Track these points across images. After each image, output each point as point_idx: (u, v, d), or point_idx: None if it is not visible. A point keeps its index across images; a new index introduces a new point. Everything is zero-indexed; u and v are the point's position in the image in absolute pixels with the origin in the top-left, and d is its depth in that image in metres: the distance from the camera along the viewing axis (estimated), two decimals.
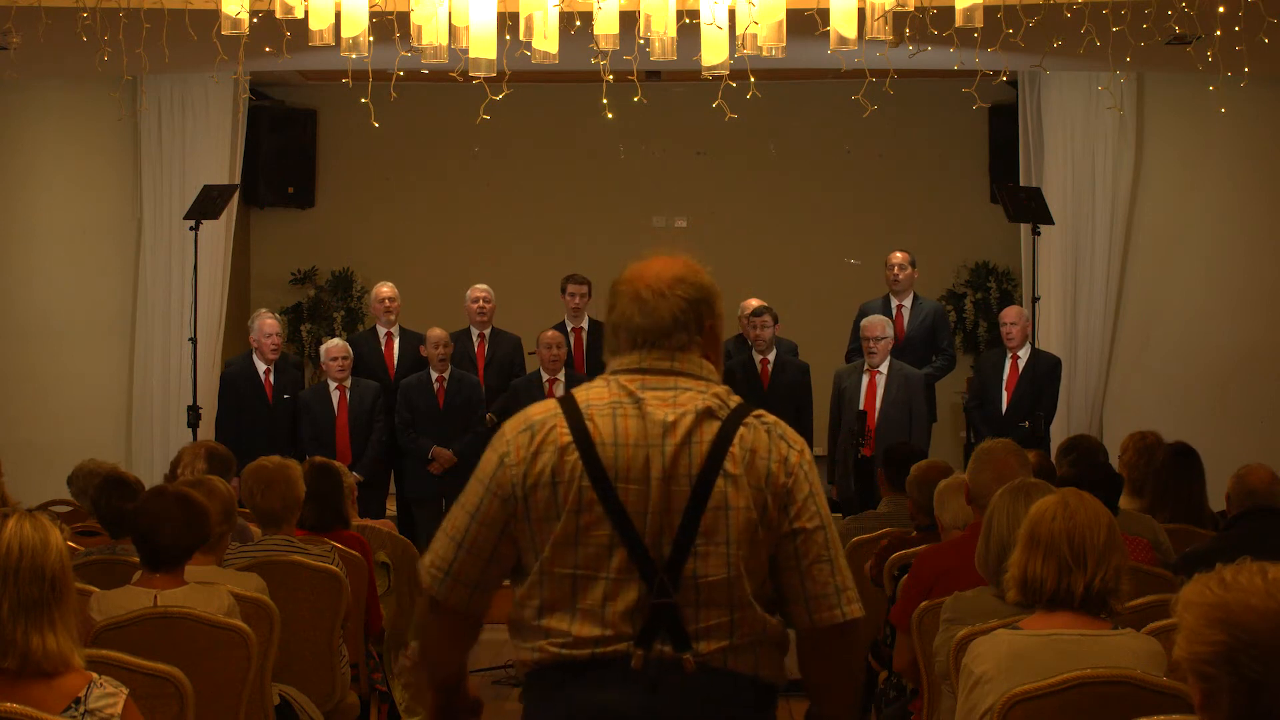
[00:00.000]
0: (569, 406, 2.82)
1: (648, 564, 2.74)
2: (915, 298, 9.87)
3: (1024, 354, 9.36)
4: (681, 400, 2.83)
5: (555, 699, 2.79)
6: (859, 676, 3.14)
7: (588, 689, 2.75)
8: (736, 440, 2.80)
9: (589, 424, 2.79)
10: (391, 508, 9.85)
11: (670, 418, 2.80)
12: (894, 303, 9.82)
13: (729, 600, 2.75)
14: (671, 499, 2.75)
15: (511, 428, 2.89)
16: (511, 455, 2.85)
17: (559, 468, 2.78)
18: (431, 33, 6.67)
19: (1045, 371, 9.27)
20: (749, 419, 2.83)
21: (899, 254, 9.89)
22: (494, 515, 2.84)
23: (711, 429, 2.80)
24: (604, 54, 6.75)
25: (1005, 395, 9.28)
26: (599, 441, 2.78)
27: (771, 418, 2.88)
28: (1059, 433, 9.35)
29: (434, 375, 9.53)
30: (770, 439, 2.82)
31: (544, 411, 2.85)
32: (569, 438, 2.79)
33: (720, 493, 2.76)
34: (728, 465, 2.77)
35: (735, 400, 2.87)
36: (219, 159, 10.68)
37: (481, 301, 9.98)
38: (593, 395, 2.85)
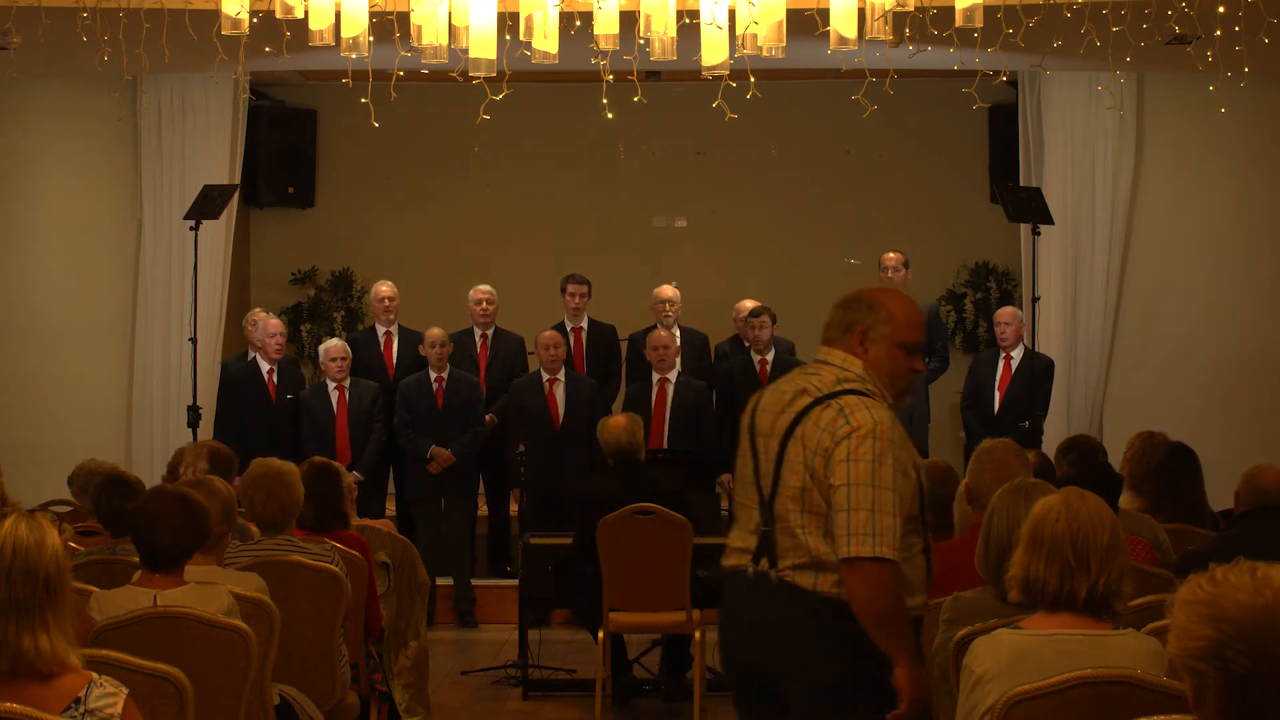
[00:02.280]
0: (768, 384, 3.96)
1: (762, 500, 3.75)
2: None
3: (1017, 354, 9.37)
4: (813, 381, 3.76)
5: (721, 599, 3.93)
6: (873, 604, 3.63)
7: (727, 593, 3.86)
8: (812, 414, 3.69)
9: (762, 395, 3.87)
10: (391, 508, 9.86)
11: (792, 394, 3.76)
12: None
13: (789, 531, 3.70)
14: (772, 451, 3.74)
15: None
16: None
17: (744, 423, 3.86)
18: (431, 33, 6.67)
19: (1039, 372, 9.28)
20: (831, 400, 3.70)
21: (893, 255, 9.90)
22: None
23: (803, 403, 3.73)
24: (604, 54, 6.74)
25: (998, 395, 9.30)
26: (757, 406, 3.85)
27: (849, 400, 3.69)
28: (1059, 433, 9.34)
29: (433, 375, 9.53)
30: (833, 415, 3.67)
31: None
32: (754, 403, 3.87)
33: (790, 450, 3.70)
34: (797, 430, 3.70)
35: (844, 385, 3.73)
36: (219, 159, 10.67)
37: (485, 303, 9.97)
38: (785, 376, 3.87)
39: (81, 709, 2.81)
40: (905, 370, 3.84)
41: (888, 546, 3.58)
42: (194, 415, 9.37)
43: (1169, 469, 6.28)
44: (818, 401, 3.69)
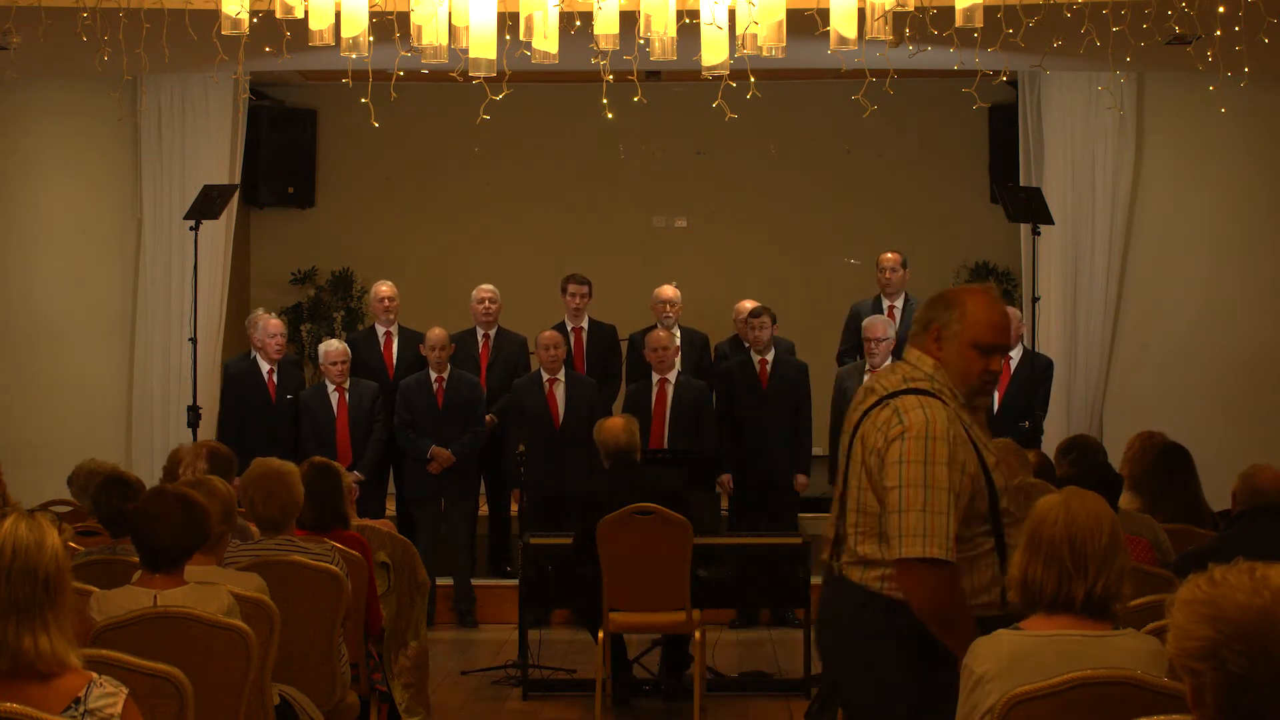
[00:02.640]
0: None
1: (839, 493, 3.89)
2: (906, 298, 9.86)
3: (1016, 354, 9.37)
4: (882, 380, 3.86)
5: None
6: (928, 605, 3.69)
7: (821, 587, 4.03)
8: (872, 413, 3.78)
9: (859, 390, 3.99)
10: (391, 508, 9.86)
11: (865, 392, 3.88)
12: (885, 303, 9.81)
13: (851, 529, 3.80)
14: (843, 448, 3.88)
15: None
16: None
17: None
18: (431, 33, 6.67)
19: (1039, 372, 9.28)
20: (891, 400, 3.76)
21: (890, 255, 9.90)
22: None
23: (869, 401, 3.82)
24: (604, 54, 6.74)
25: (997, 395, 9.29)
26: (852, 401, 3.96)
27: (906, 400, 3.74)
28: (1059, 433, 9.35)
29: (433, 375, 9.53)
30: (889, 415, 3.74)
31: None
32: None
33: (855, 449, 3.81)
34: (860, 430, 3.80)
35: (908, 384, 3.79)
36: (219, 159, 10.68)
37: (487, 302, 9.97)
38: (877, 371, 3.99)
39: (81, 709, 2.82)
40: (978, 370, 3.84)
41: (939, 547, 3.62)
42: (194, 415, 9.38)
43: (1164, 468, 6.28)
44: (880, 401, 3.78)
